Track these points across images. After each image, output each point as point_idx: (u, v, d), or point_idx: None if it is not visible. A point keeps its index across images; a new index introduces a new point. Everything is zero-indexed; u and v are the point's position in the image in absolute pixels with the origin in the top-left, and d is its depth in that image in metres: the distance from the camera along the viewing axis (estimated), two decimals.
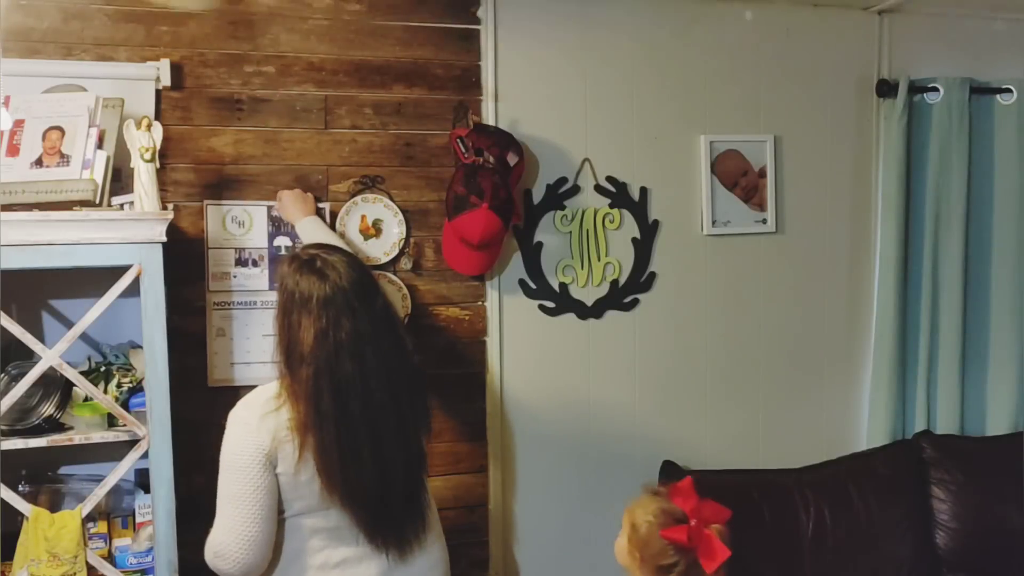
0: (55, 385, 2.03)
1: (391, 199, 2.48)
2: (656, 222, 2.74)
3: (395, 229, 2.48)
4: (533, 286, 2.63)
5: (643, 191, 2.71)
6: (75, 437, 1.99)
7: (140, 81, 2.26)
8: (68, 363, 1.98)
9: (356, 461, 1.72)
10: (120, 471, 2.00)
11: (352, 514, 1.76)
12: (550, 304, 2.65)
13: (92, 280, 2.08)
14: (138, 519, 2.13)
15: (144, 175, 1.98)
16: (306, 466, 1.73)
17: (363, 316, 1.72)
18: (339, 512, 1.77)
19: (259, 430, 1.72)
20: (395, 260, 2.49)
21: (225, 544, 1.70)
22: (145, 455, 1.99)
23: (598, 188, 2.67)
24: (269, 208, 2.36)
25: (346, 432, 1.71)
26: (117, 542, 2.10)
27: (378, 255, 2.46)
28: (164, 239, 1.97)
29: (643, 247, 2.72)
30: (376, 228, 2.47)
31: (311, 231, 2.24)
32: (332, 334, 1.69)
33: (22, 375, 1.96)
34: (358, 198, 2.46)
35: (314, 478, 1.74)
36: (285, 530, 1.81)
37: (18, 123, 2.05)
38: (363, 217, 2.46)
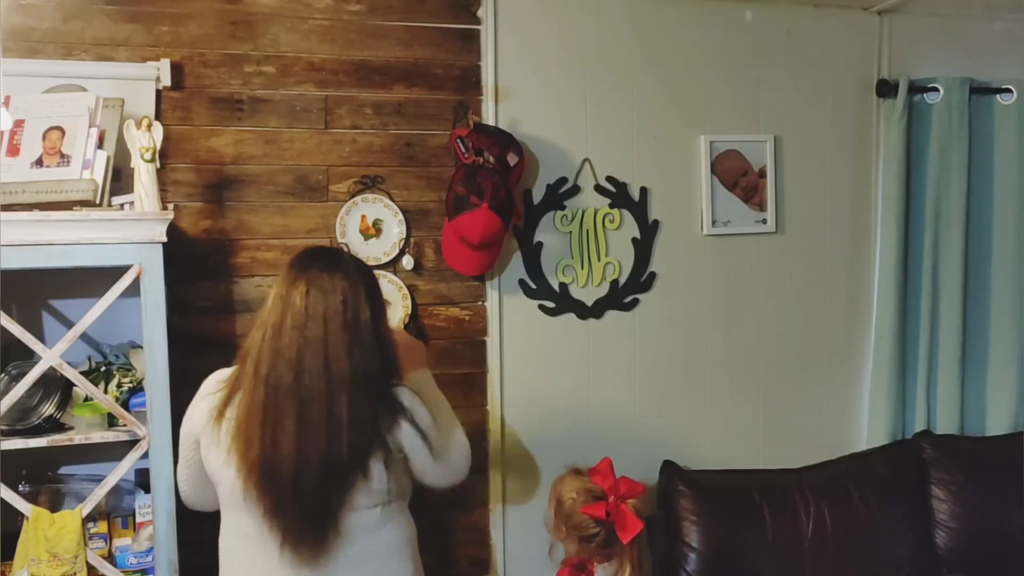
0: (55, 385, 2.03)
1: (391, 199, 2.48)
2: (656, 222, 2.74)
3: (395, 229, 2.48)
4: (533, 286, 2.64)
5: (643, 191, 2.71)
6: (75, 437, 1.99)
7: (140, 81, 2.26)
8: (68, 363, 1.98)
9: (278, 430, 1.67)
10: (120, 471, 2.00)
11: (258, 488, 1.69)
12: (550, 304, 2.65)
13: (92, 280, 2.08)
14: (138, 519, 2.13)
15: (144, 175, 1.98)
16: (219, 450, 1.73)
17: (317, 303, 1.69)
18: (249, 496, 1.70)
19: (196, 409, 1.80)
20: (395, 260, 2.49)
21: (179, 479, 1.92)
22: (145, 455, 1.99)
23: (598, 188, 2.68)
24: None
25: (274, 395, 1.67)
26: (117, 542, 2.10)
27: (378, 255, 2.46)
28: (164, 239, 1.97)
29: (643, 247, 2.72)
30: (376, 228, 2.47)
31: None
32: (283, 305, 1.70)
33: (22, 375, 1.96)
34: (358, 198, 2.46)
35: (227, 460, 1.71)
36: (222, 527, 1.81)
37: (18, 123, 2.05)
38: (363, 217, 2.46)
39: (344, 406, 1.68)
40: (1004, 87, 2.97)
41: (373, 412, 1.71)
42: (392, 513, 1.79)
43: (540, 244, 2.64)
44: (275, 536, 1.70)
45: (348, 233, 2.44)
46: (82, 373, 2.03)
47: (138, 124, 2.01)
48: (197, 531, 2.12)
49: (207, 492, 1.83)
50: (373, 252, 2.45)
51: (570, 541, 2.32)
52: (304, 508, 1.69)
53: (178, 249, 2.19)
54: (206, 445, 1.76)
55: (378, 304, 1.80)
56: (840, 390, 2.97)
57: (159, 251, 1.96)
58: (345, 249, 2.39)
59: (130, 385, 2.10)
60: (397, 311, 2.47)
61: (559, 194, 2.64)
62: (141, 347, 2.01)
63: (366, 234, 2.46)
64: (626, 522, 2.25)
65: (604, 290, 2.70)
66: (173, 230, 2.08)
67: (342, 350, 1.69)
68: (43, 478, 2.19)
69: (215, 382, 1.81)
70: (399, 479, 1.77)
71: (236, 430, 1.71)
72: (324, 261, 1.75)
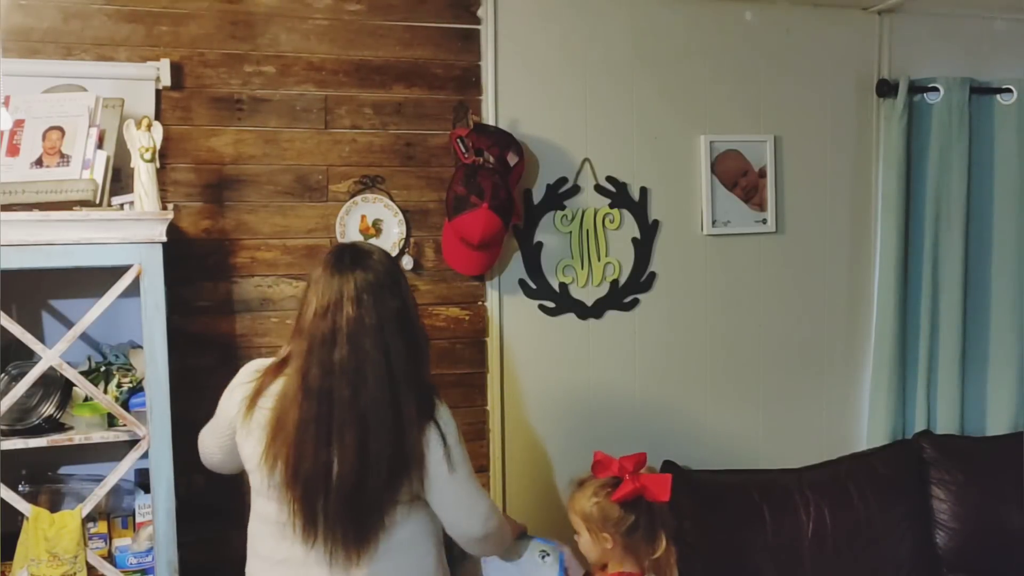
0: (55, 385, 2.03)
1: (391, 199, 2.48)
2: (656, 222, 2.74)
3: (395, 229, 2.49)
4: (533, 286, 2.64)
5: (643, 191, 2.71)
6: (75, 437, 1.99)
7: (140, 81, 2.26)
8: (68, 363, 1.98)
9: (337, 446, 1.68)
10: (120, 471, 2.00)
11: (302, 502, 1.70)
12: (550, 304, 2.65)
13: (92, 280, 2.08)
14: (138, 519, 2.13)
15: (144, 175, 1.98)
16: (249, 440, 1.75)
17: (370, 308, 1.70)
18: (283, 498, 1.71)
19: (231, 396, 1.81)
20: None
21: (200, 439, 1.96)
22: (145, 455, 1.99)
23: (598, 188, 2.67)
24: None
25: (329, 413, 1.68)
26: (117, 542, 2.10)
27: None
28: (164, 239, 1.97)
29: (643, 247, 2.72)
30: (376, 228, 2.47)
31: None
32: (332, 315, 1.69)
33: (22, 375, 1.96)
34: (358, 198, 2.46)
35: (264, 460, 1.71)
36: (251, 513, 1.83)
37: (18, 123, 2.05)
38: (363, 217, 2.46)
39: (409, 407, 1.72)
40: (1004, 87, 2.97)
41: (420, 410, 1.75)
42: (418, 507, 1.80)
43: (540, 244, 2.64)
44: (308, 537, 1.71)
45: (348, 233, 2.44)
46: (82, 373, 2.03)
47: (138, 124, 2.00)
48: (197, 531, 2.13)
49: (234, 463, 1.87)
50: None
51: (616, 550, 2.13)
52: (354, 516, 1.71)
53: (178, 249, 2.19)
54: (240, 435, 1.78)
55: (398, 290, 1.78)
56: (840, 390, 2.97)
57: (159, 251, 1.96)
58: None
59: (130, 385, 2.10)
60: None
61: (559, 194, 2.64)
62: (141, 347, 2.01)
63: (366, 234, 2.46)
64: (655, 484, 2.12)
65: (604, 290, 2.70)
66: (173, 230, 2.08)
67: (402, 357, 1.71)
68: (43, 478, 2.19)
69: (251, 371, 1.82)
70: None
71: (274, 436, 1.70)
72: (363, 264, 1.73)
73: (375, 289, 1.71)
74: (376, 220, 2.47)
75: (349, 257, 1.75)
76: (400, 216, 2.48)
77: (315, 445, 1.67)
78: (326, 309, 1.69)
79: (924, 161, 2.92)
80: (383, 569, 1.75)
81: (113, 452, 2.12)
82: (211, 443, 1.90)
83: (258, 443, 1.72)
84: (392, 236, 2.48)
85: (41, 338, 2.07)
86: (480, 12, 2.54)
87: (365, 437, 1.68)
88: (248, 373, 1.82)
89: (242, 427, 1.77)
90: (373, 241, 2.45)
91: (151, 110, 2.27)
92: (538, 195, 2.62)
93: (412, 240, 2.51)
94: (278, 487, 1.71)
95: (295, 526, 1.71)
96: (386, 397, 1.70)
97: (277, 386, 1.74)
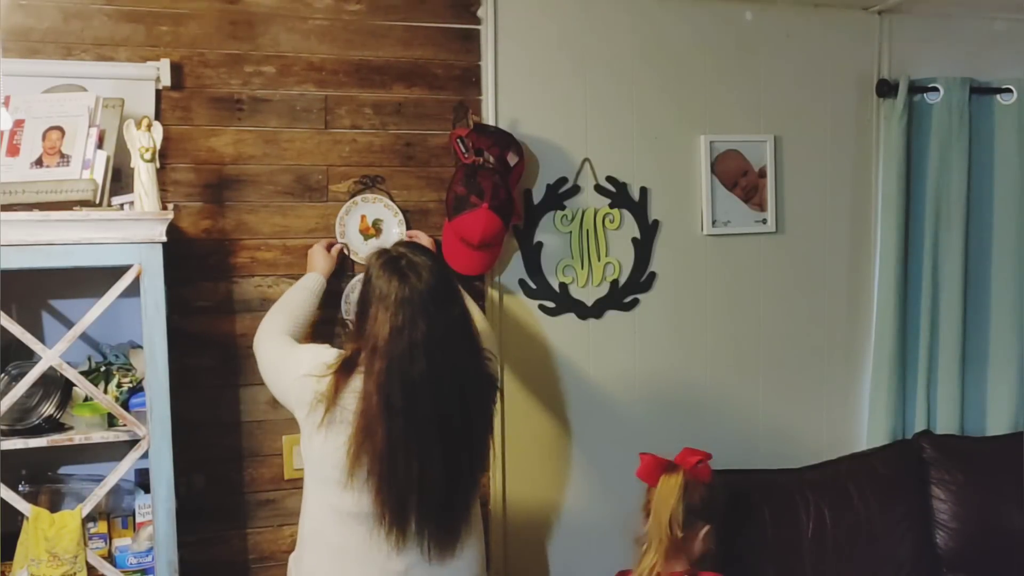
0: (55, 385, 2.03)
1: (391, 199, 2.48)
2: (656, 222, 2.74)
3: (395, 229, 2.48)
4: (533, 286, 2.63)
5: (643, 191, 2.71)
6: (75, 437, 1.99)
7: (140, 81, 2.26)
8: (68, 363, 1.98)
9: (425, 458, 1.77)
10: (120, 471, 2.00)
11: (394, 510, 1.78)
12: (550, 304, 2.65)
13: (92, 280, 2.08)
14: (138, 519, 2.13)
15: (144, 175, 1.98)
16: (328, 437, 1.80)
17: (438, 320, 1.78)
18: (370, 501, 1.79)
19: (301, 384, 1.87)
20: None
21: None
22: (145, 455, 1.99)
23: (598, 188, 2.67)
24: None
25: (415, 428, 1.76)
26: (117, 542, 2.10)
27: None
28: (164, 239, 1.97)
29: (643, 247, 2.72)
30: (376, 228, 2.47)
31: (292, 291, 2.26)
32: (407, 333, 1.75)
33: (22, 375, 1.96)
34: (358, 198, 2.46)
35: (333, 455, 1.79)
36: (309, 503, 1.90)
37: (18, 123, 2.05)
38: (363, 217, 2.46)
39: (479, 411, 1.85)
40: (1004, 87, 2.97)
41: (491, 399, 1.91)
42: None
43: (540, 244, 2.64)
44: (398, 540, 1.80)
45: (348, 233, 2.44)
46: (82, 373, 2.03)
47: (138, 124, 2.00)
48: (197, 531, 2.13)
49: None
50: None
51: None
52: (447, 517, 1.83)
53: (178, 249, 2.19)
54: (308, 425, 1.84)
55: (456, 294, 1.89)
56: (840, 389, 2.97)
57: (159, 251, 1.97)
58: (347, 247, 2.43)
59: (130, 385, 2.10)
60: None
61: (559, 194, 2.64)
62: (141, 347, 2.01)
63: (366, 234, 2.46)
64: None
65: (604, 290, 2.70)
66: (173, 230, 2.08)
67: (468, 360, 1.83)
68: (43, 478, 2.19)
69: (320, 364, 1.86)
70: None
71: (360, 445, 1.76)
72: (422, 276, 1.80)
73: (438, 300, 1.79)
74: (376, 220, 2.47)
75: (408, 269, 1.80)
76: (400, 216, 2.48)
77: (406, 461, 1.75)
78: (401, 329, 1.75)
79: (924, 161, 2.92)
80: (468, 547, 1.90)
81: (113, 452, 2.12)
82: (272, 382, 2.00)
83: (341, 442, 1.78)
84: (392, 236, 2.48)
85: (41, 338, 2.07)
86: (480, 12, 2.54)
87: (451, 448, 1.79)
88: (318, 365, 1.86)
89: (313, 420, 1.82)
90: (373, 241, 2.46)
91: (151, 110, 2.27)
92: (538, 195, 2.62)
93: None
94: (363, 484, 1.78)
95: (385, 529, 1.79)
96: (460, 404, 1.80)
97: (355, 383, 1.80)
